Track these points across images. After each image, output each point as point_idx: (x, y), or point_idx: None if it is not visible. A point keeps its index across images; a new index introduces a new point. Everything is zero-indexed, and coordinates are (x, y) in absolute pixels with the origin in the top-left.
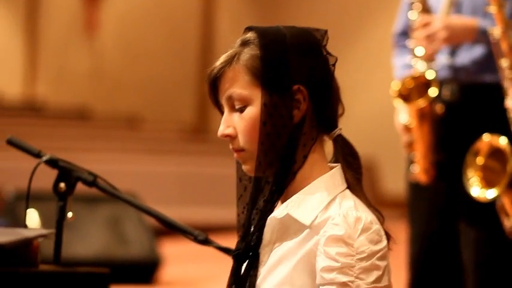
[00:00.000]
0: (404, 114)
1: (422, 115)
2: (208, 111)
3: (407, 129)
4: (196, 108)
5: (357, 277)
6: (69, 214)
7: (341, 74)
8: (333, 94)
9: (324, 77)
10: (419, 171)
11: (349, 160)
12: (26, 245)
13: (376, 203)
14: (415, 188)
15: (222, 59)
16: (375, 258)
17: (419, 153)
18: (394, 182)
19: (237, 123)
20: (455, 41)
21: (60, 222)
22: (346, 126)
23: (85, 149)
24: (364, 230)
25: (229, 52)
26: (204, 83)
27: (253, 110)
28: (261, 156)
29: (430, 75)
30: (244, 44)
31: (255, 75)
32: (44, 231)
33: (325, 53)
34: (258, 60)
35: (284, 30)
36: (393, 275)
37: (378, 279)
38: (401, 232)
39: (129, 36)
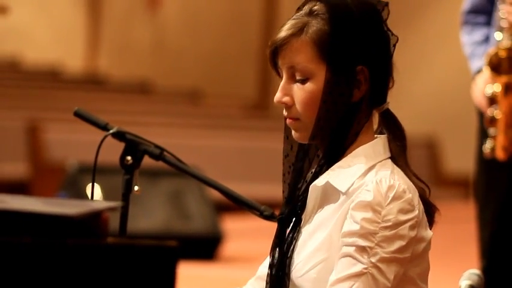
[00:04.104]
0: (490, 86)
1: (510, 88)
2: (269, 87)
3: (491, 101)
4: (258, 84)
5: (377, 244)
6: (136, 187)
7: (403, 53)
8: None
9: (385, 58)
10: (497, 147)
11: (395, 131)
12: (95, 218)
13: (437, 182)
14: (490, 167)
15: (288, 27)
16: (400, 228)
17: (500, 128)
18: (455, 161)
19: (296, 93)
20: None
21: (126, 196)
22: (408, 104)
23: (146, 123)
24: (395, 198)
25: (295, 21)
26: (266, 53)
27: (315, 84)
28: (316, 130)
29: None
30: (312, 14)
31: (321, 51)
32: (113, 204)
33: (386, 30)
34: (325, 35)
35: (351, 5)
36: (461, 253)
37: (400, 250)
38: (463, 210)
39: (191, 11)
